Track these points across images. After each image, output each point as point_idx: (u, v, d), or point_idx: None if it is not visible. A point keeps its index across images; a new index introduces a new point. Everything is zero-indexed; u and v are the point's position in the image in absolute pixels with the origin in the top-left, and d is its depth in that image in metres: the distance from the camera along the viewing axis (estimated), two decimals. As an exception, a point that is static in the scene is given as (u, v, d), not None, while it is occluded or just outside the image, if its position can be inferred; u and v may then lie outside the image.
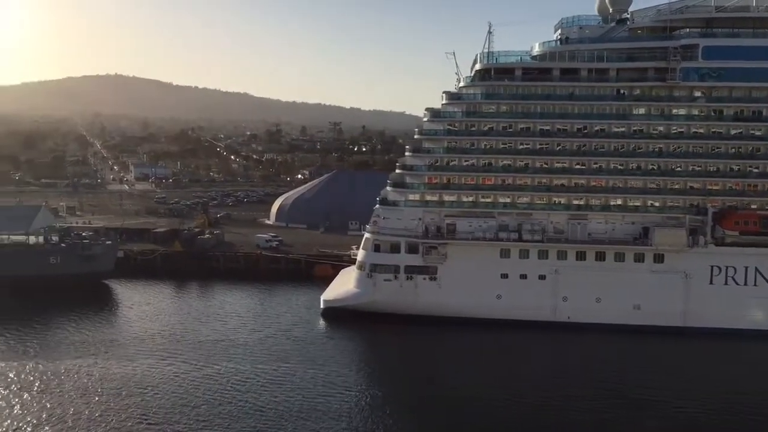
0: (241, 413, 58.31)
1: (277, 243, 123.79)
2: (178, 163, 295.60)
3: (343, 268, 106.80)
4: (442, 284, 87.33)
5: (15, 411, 58.20)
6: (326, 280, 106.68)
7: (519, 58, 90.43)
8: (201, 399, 61.12)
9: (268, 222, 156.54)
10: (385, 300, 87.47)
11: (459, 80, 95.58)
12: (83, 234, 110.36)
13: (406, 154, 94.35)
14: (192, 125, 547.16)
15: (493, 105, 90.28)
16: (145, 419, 56.91)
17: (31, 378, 65.44)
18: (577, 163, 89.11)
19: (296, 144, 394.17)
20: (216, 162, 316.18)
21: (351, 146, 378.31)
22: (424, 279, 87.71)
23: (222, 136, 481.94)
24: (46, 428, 55.21)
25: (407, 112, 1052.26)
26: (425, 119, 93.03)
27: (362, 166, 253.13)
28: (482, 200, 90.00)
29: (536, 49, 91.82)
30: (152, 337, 78.64)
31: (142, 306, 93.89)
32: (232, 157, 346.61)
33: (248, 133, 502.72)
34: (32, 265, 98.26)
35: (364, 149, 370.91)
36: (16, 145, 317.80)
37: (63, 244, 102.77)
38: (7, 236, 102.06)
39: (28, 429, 54.99)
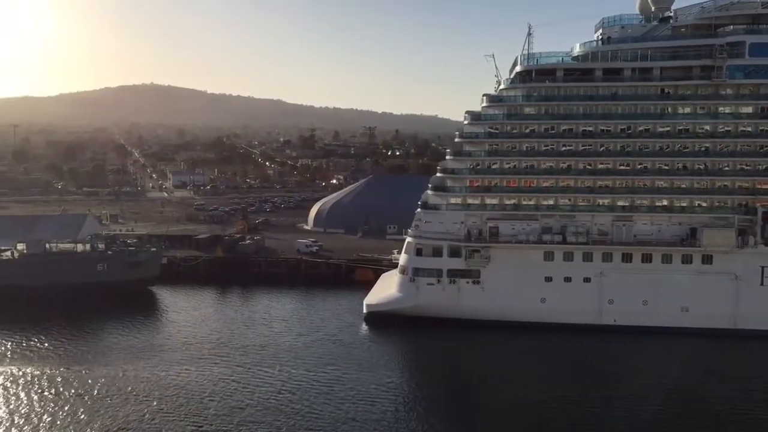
0: (298, 417, 58.87)
1: (317, 248, 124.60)
2: (215, 170, 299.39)
3: (383, 272, 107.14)
4: (485, 288, 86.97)
5: (80, 416, 59.47)
6: (367, 285, 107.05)
7: (560, 59, 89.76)
8: (255, 403, 61.83)
9: (306, 227, 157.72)
10: (428, 304, 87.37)
11: (499, 82, 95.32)
12: (129, 241, 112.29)
13: (447, 157, 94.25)
14: (227, 132, 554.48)
15: (535, 107, 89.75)
16: (203, 424, 57.81)
17: (90, 383, 66.70)
18: (621, 164, 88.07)
19: (330, 149, 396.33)
20: (252, 168, 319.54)
21: (385, 150, 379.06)
22: (467, 282, 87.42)
23: (256, 142, 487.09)
24: None
25: (439, 116, 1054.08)
26: (466, 122, 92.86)
27: (397, 171, 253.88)
28: (525, 203, 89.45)
29: (577, 50, 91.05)
30: (201, 342, 79.83)
31: (189, 311, 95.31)
32: (267, 163, 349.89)
33: (282, 139, 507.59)
34: (80, 273, 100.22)
35: (397, 153, 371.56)
36: (57, 155, 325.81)
37: (110, 252, 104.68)
38: (55, 244, 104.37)
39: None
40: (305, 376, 68.69)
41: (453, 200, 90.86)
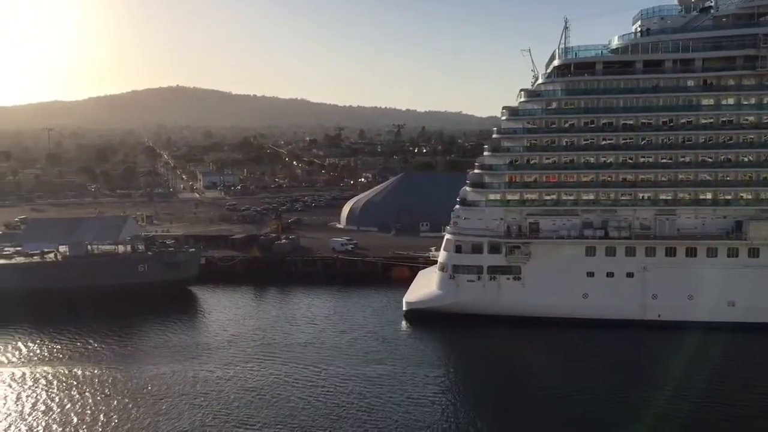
0: (349, 414, 59.37)
1: (352, 246, 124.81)
2: (245, 170, 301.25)
3: (419, 269, 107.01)
4: (526, 284, 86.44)
5: (132, 415, 60.36)
6: (403, 282, 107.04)
7: (600, 52, 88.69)
8: (305, 400, 62.37)
9: (338, 226, 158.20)
10: (468, 301, 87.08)
11: (535, 77, 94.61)
12: (167, 242, 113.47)
13: (485, 153, 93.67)
14: (253, 133, 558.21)
15: (574, 101, 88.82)
16: (254, 422, 58.27)
17: (138, 383, 67.65)
18: (664, 157, 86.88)
19: (356, 147, 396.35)
20: (280, 168, 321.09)
21: (412, 148, 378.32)
22: (508, 279, 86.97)
23: (282, 142, 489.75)
24: None
25: (463, 112, 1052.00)
26: (503, 118, 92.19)
27: (425, 168, 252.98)
28: (565, 198, 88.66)
29: (615, 43, 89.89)
30: (246, 341, 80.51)
31: (231, 310, 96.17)
32: (295, 162, 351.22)
33: (307, 138, 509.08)
34: (122, 274, 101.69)
35: (424, 151, 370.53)
36: (89, 158, 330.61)
37: (150, 253, 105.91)
38: (96, 246, 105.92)
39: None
40: (351, 372, 69.10)
41: (492, 196, 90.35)
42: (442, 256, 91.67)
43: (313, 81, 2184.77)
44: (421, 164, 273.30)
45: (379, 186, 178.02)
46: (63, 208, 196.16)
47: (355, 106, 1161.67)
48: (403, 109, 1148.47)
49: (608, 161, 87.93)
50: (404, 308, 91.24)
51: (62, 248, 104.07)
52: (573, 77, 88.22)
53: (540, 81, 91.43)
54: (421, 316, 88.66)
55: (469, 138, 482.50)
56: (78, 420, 59.53)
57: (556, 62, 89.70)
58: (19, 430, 57.89)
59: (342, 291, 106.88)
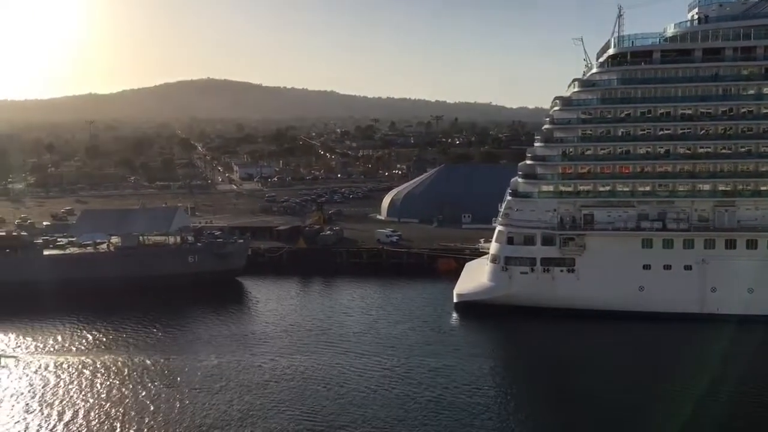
0: (416, 406, 59.28)
1: (397, 238, 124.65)
2: (281, 161, 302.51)
3: (466, 261, 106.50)
4: (580, 276, 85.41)
5: (185, 404, 60.85)
6: (449, 274, 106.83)
7: (657, 40, 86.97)
8: (372, 390, 62.60)
9: (379, 217, 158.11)
10: (521, 293, 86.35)
11: (587, 66, 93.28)
12: (215, 233, 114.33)
13: (536, 144, 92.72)
14: (283, 124, 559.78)
15: (630, 90, 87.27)
16: (315, 412, 58.54)
17: (196, 373, 68.13)
18: (723, 147, 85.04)
19: (389, 139, 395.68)
20: (314, 160, 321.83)
21: (445, 139, 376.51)
22: (562, 271, 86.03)
23: (314, 134, 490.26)
24: (230, 422, 57.46)
25: (493, 103, 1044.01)
26: (555, 108, 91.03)
27: (462, 160, 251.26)
28: (620, 189, 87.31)
29: (671, 31, 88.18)
30: (301, 330, 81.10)
31: (281, 300, 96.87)
32: (328, 154, 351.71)
33: (338, 130, 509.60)
34: (172, 264, 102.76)
35: (457, 142, 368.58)
36: (126, 150, 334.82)
37: (199, 244, 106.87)
38: (146, 237, 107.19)
39: (207, 422, 57.29)
40: (407, 363, 69.23)
41: (544, 188, 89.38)
42: (493, 247, 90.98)
43: (342, 73, 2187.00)
44: (459, 156, 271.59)
45: (418, 178, 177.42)
46: (105, 200, 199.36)
47: (384, 97, 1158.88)
48: (433, 100, 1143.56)
49: (666, 152, 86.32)
50: (455, 300, 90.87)
51: (114, 239, 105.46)
52: (630, 66, 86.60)
53: (595, 70, 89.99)
54: (471, 308, 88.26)
55: (501, 129, 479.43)
56: (131, 409, 60.02)
57: (611, 51, 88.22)
58: (86, 417, 58.77)
59: (389, 282, 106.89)
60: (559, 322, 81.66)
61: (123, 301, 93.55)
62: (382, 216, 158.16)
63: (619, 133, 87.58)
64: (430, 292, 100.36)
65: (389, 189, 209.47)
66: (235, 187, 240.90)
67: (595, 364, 69.95)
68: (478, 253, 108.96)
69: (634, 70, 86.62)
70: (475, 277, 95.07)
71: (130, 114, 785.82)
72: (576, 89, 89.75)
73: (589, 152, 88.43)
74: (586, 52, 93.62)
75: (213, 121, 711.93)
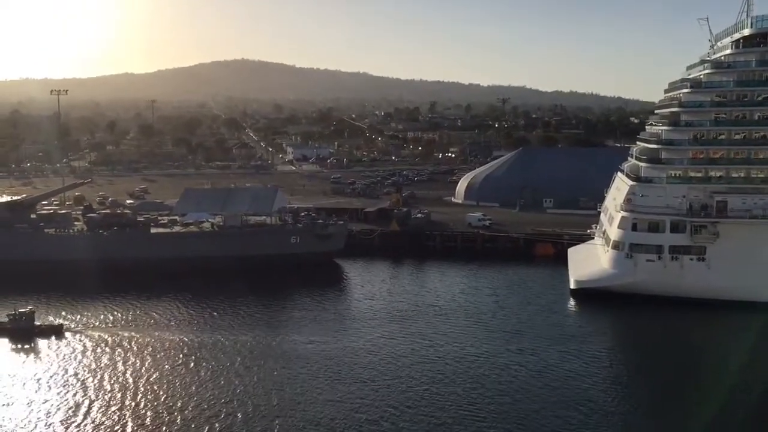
0: (534, 396, 57.45)
1: (489, 222, 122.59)
2: (335, 143, 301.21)
3: (564, 247, 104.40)
4: (711, 265, 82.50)
5: (304, 384, 59.59)
6: (547, 260, 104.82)
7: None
8: (489, 377, 60.87)
9: (455, 200, 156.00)
10: (647, 281, 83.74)
11: (713, 47, 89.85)
12: (313, 215, 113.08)
13: (661, 128, 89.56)
14: (319, 106, 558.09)
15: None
16: (450, 392, 57.46)
17: (303, 353, 66.74)
18: None
19: (436, 122, 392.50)
20: (362, 142, 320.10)
21: (505, 124, 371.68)
22: (691, 259, 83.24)
23: (354, 115, 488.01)
24: (329, 400, 56.31)
25: (527, 86, 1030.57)
26: (684, 90, 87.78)
27: (522, 143, 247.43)
28: (755, 175, 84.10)
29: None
30: (410, 313, 79.82)
31: (381, 283, 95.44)
32: (374, 137, 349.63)
33: (377, 113, 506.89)
34: (274, 245, 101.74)
35: (505, 125, 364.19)
36: (176, 130, 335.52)
37: (300, 225, 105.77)
38: (247, 217, 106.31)
39: (308, 401, 56.20)
40: (538, 351, 67.39)
41: (672, 173, 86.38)
42: (616, 234, 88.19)
43: (375, 54, 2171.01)
44: (518, 140, 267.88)
45: (495, 161, 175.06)
46: (172, 179, 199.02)
47: (417, 79, 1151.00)
48: (466, 83, 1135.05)
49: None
50: (572, 286, 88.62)
51: (217, 218, 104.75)
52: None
53: (728, 51, 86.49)
54: (588, 295, 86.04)
55: (545, 113, 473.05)
56: (225, 388, 58.98)
57: (746, 31, 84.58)
58: (184, 391, 58.36)
59: (485, 266, 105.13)
60: (685, 312, 79.02)
61: (227, 280, 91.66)
62: (459, 199, 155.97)
63: (756, 117, 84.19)
64: (537, 277, 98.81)
65: (450, 172, 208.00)
66: (293, 168, 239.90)
67: (724, 358, 66.58)
68: (580, 239, 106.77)
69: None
70: (590, 263, 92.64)
71: (165, 93, 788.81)
72: (708, 70, 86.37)
73: (722, 137, 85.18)
74: (711, 33, 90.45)
75: (249, 101, 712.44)
